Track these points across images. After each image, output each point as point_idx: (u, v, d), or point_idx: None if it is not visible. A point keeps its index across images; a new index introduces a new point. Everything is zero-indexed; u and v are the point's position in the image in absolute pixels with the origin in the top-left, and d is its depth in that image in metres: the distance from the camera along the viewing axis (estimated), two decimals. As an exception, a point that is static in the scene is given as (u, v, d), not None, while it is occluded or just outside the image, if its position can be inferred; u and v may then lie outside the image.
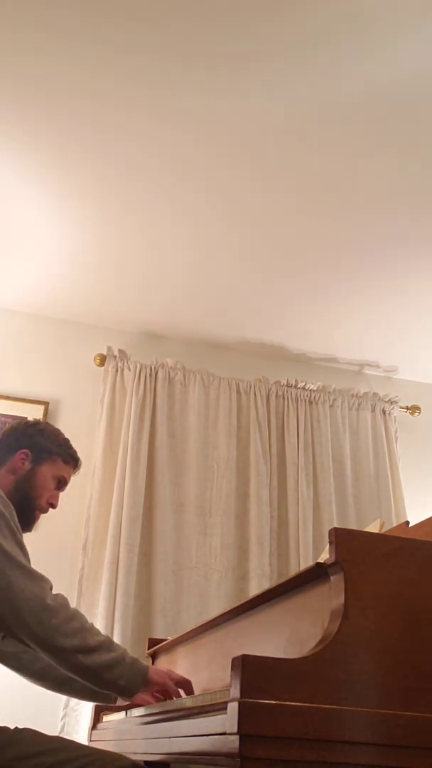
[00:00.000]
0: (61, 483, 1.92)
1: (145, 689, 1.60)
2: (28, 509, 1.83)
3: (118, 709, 2.01)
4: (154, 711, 1.52)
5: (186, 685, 1.65)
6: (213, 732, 1.06)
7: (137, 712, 1.70)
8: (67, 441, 1.95)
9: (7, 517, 1.62)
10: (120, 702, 1.79)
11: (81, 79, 2.21)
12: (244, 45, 2.08)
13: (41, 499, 1.85)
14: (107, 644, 1.55)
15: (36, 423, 1.97)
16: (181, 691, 1.64)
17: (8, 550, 1.55)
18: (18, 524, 1.67)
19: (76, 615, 1.54)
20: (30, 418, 2.02)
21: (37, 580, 1.55)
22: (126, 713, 1.87)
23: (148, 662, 2.49)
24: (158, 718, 1.44)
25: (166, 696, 1.64)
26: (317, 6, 1.96)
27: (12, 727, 1.61)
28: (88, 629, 1.54)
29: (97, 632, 1.56)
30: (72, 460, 1.94)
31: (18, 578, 1.51)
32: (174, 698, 1.60)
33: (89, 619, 1.63)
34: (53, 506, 1.89)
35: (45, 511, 1.89)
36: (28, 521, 1.83)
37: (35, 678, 1.86)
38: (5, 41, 2.10)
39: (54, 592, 1.57)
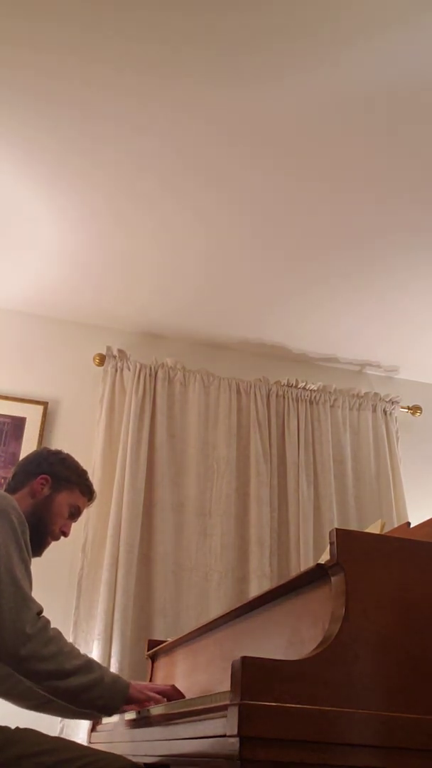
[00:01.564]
0: (75, 513, 1.98)
1: (127, 706, 1.63)
2: (41, 534, 1.88)
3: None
4: (155, 713, 1.52)
5: (170, 693, 1.69)
6: (213, 734, 1.06)
7: (137, 714, 1.70)
8: (85, 473, 2.03)
9: (19, 534, 1.66)
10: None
11: (80, 76, 2.21)
12: (244, 35, 2.06)
13: (55, 526, 1.92)
14: (86, 667, 1.57)
15: (58, 452, 2.03)
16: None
17: (13, 565, 1.58)
18: (28, 542, 1.71)
19: (54, 639, 1.56)
20: (53, 448, 2.10)
21: (27, 602, 1.56)
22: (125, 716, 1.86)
23: (144, 665, 2.49)
24: (158, 720, 1.44)
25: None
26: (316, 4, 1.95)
27: (13, 727, 1.61)
28: (67, 653, 1.56)
29: (77, 655, 1.58)
30: (88, 493, 2.02)
31: (10, 597, 1.53)
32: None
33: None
34: (65, 535, 1.96)
35: (57, 538, 1.94)
36: (39, 546, 1.88)
37: (17, 699, 1.87)
38: (3, 33, 2.10)
39: (47, 605, 1.60)
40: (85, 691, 1.55)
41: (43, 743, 1.55)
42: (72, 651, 1.58)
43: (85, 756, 1.50)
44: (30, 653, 1.50)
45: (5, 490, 1.91)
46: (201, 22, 2.02)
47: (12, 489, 1.91)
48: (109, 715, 1.66)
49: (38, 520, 1.86)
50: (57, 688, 1.54)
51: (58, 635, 1.58)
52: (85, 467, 2.08)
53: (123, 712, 1.74)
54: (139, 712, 1.66)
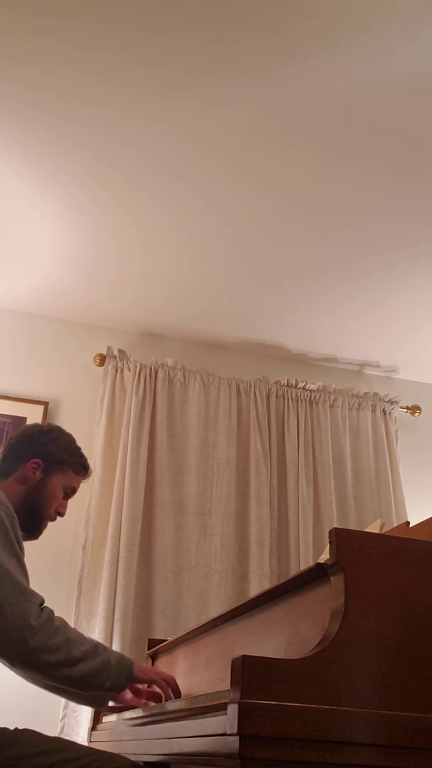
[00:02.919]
0: (71, 493, 1.93)
1: (132, 685, 1.64)
2: (37, 519, 1.84)
3: (118, 710, 2.01)
4: (154, 712, 1.52)
5: (170, 683, 1.69)
6: (213, 733, 1.06)
7: (137, 712, 1.70)
8: (78, 449, 1.95)
9: (8, 528, 1.62)
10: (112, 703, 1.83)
11: (79, 83, 2.21)
12: (239, 51, 2.08)
13: (50, 509, 1.87)
14: (92, 651, 1.57)
15: (49, 430, 1.93)
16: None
17: (4, 562, 1.55)
18: (18, 536, 1.67)
19: (60, 628, 1.55)
20: (43, 424, 2.00)
21: (26, 595, 1.54)
22: (125, 714, 1.87)
23: (141, 660, 2.49)
24: (158, 718, 1.44)
25: (153, 694, 1.70)
26: (312, 12, 1.95)
27: (12, 727, 1.61)
28: (73, 640, 1.55)
29: (82, 640, 1.58)
30: (83, 470, 1.94)
31: (7, 593, 1.51)
32: (163, 696, 1.66)
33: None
34: (61, 515, 1.91)
35: (53, 519, 1.90)
36: (35, 530, 1.85)
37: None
38: (6, 46, 2.10)
39: (47, 604, 1.58)
40: (94, 675, 1.56)
41: (41, 744, 1.54)
42: (78, 637, 1.58)
43: (84, 756, 1.49)
44: (39, 645, 1.49)
45: None
46: (192, 36, 2.02)
47: (3, 473, 1.85)
48: (117, 692, 1.66)
49: (32, 505, 1.82)
50: (68, 676, 1.54)
51: (63, 624, 1.57)
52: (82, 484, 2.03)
53: (124, 702, 1.74)
54: (141, 710, 1.66)
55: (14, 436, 1.93)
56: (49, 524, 1.92)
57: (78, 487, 1.95)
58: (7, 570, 1.54)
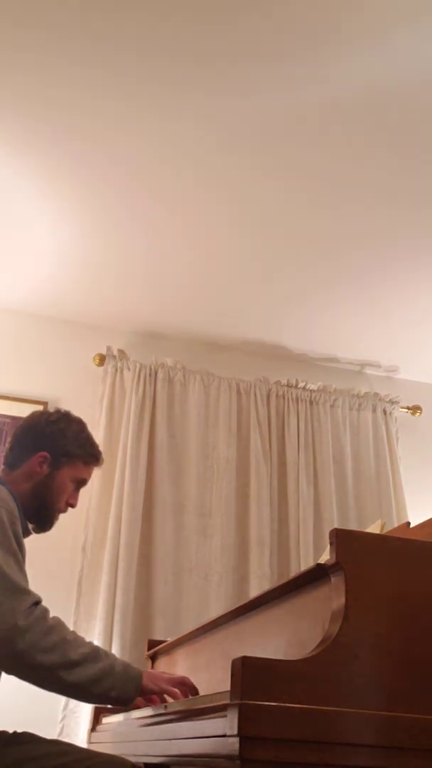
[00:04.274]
0: (81, 484, 1.85)
1: (141, 696, 1.53)
2: (47, 513, 1.77)
3: (118, 711, 2.01)
4: (154, 713, 1.51)
5: (184, 685, 1.58)
6: (213, 734, 1.05)
7: (137, 714, 1.70)
8: (89, 438, 1.85)
9: (6, 526, 1.55)
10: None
11: (82, 75, 2.21)
12: (243, 40, 2.07)
13: (60, 503, 1.79)
14: (93, 655, 1.45)
15: (57, 420, 1.82)
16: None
17: None
18: (19, 533, 1.60)
19: (54, 628, 1.44)
20: (51, 412, 1.88)
21: (18, 593, 1.43)
22: (124, 715, 1.86)
23: (144, 665, 2.49)
24: (158, 720, 1.43)
25: (164, 700, 1.59)
26: (319, 3, 1.95)
27: (11, 731, 1.60)
28: (71, 641, 1.44)
29: (81, 643, 1.46)
30: (93, 460, 1.86)
31: None
32: (176, 699, 1.56)
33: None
34: (72, 506, 1.83)
35: (65, 511, 1.82)
36: (45, 524, 1.78)
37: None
38: (4, 38, 2.10)
39: (46, 605, 1.48)
40: (95, 682, 1.43)
41: (41, 747, 1.53)
42: (76, 639, 1.46)
43: (84, 758, 1.48)
44: (28, 645, 1.37)
45: (4, 466, 1.79)
46: (198, 28, 2.02)
47: (11, 466, 1.77)
48: (124, 706, 1.55)
49: (41, 500, 1.74)
50: (64, 681, 1.41)
51: (59, 623, 1.46)
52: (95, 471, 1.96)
53: (135, 707, 1.66)
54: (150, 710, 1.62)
55: (20, 426, 1.83)
56: (59, 516, 1.86)
57: (89, 477, 1.87)
58: (1, 567, 1.46)
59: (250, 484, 3.29)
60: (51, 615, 1.47)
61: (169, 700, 1.55)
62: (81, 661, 1.43)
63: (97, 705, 1.88)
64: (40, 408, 3.23)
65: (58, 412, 1.87)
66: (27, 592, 1.47)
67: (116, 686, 1.46)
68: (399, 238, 2.88)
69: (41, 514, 1.76)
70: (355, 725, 1.03)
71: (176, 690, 1.55)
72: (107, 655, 1.50)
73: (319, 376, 3.71)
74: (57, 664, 1.40)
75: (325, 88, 2.21)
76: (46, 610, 1.47)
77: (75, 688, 1.43)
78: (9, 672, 1.46)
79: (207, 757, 1.07)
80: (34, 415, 1.87)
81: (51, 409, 1.98)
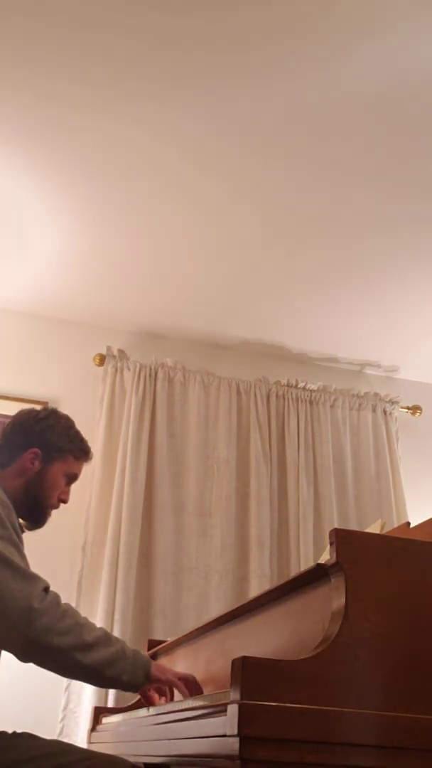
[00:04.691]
0: (72, 479, 1.87)
1: (149, 684, 1.56)
2: (40, 509, 1.79)
3: (118, 711, 2.01)
4: (154, 713, 1.51)
5: (190, 682, 1.60)
6: (213, 734, 1.05)
7: (137, 713, 1.70)
8: (77, 434, 1.87)
9: (4, 517, 1.57)
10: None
11: (83, 85, 2.21)
12: (256, 34, 2.06)
13: (52, 499, 1.80)
14: (105, 639, 1.49)
15: (46, 417, 1.85)
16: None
17: (2, 549, 1.49)
18: (16, 525, 1.63)
19: (68, 612, 1.47)
20: (39, 409, 1.91)
21: (28, 579, 1.47)
22: (124, 716, 1.86)
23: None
24: (158, 719, 1.43)
25: (170, 693, 1.61)
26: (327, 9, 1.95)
27: (10, 731, 1.60)
28: (83, 625, 1.48)
29: (93, 627, 1.50)
30: (83, 455, 1.87)
31: (8, 578, 1.45)
32: (182, 695, 1.57)
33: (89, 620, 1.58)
34: (64, 502, 1.84)
35: (57, 507, 1.84)
36: (39, 520, 1.80)
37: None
38: (5, 34, 2.10)
39: (50, 591, 1.50)
40: (109, 665, 1.46)
41: (40, 747, 1.53)
42: (87, 623, 1.50)
43: (83, 759, 1.48)
44: (45, 628, 1.41)
45: None
46: (203, 20, 2.01)
47: (1, 465, 1.78)
48: (134, 691, 1.57)
49: (34, 496, 1.76)
50: (80, 663, 1.44)
51: (70, 608, 1.49)
52: (85, 467, 1.97)
53: (144, 696, 1.67)
54: (148, 709, 1.63)
55: (10, 424, 1.85)
56: (49, 524, 1.88)
57: (80, 472, 1.89)
58: (6, 557, 1.48)
59: (250, 484, 3.29)
60: (61, 600, 1.51)
61: (175, 695, 1.56)
62: (95, 644, 1.46)
63: (110, 689, 1.85)
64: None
65: (45, 409, 1.90)
66: (37, 577, 1.50)
67: (127, 670, 1.50)
68: (399, 238, 2.88)
69: (34, 510, 1.77)
70: (355, 725, 1.03)
71: (181, 684, 1.58)
72: (118, 640, 1.53)
73: (319, 376, 3.71)
74: (73, 646, 1.44)
75: (333, 81, 2.20)
76: (57, 595, 1.50)
77: (89, 670, 1.47)
78: (25, 658, 1.48)
79: (207, 757, 1.07)
80: (22, 413, 1.88)
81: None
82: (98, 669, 1.47)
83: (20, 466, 1.77)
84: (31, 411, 1.89)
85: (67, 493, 1.85)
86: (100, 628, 1.52)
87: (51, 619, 1.43)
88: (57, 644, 1.42)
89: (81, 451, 1.87)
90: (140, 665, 1.52)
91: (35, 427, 1.81)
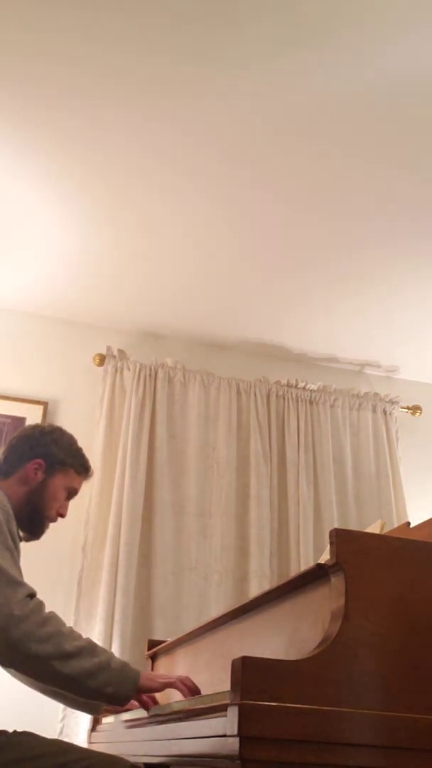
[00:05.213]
0: (72, 493, 1.92)
1: (138, 696, 1.54)
2: (38, 520, 1.83)
3: (118, 711, 2.00)
4: (154, 713, 1.51)
5: (185, 683, 1.58)
6: (213, 734, 1.05)
7: (137, 714, 1.70)
8: (80, 450, 1.93)
9: (2, 522, 1.60)
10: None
11: (80, 79, 2.21)
12: (242, 45, 2.07)
13: (51, 511, 1.85)
14: (89, 649, 1.47)
15: (51, 431, 1.92)
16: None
17: None
18: (14, 531, 1.66)
19: (50, 620, 1.46)
20: (44, 424, 2.00)
21: (13, 585, 1.47)
22: (124, 716, 1.86)
23: (144, 666, 2.49)
24: (158, 720, 1.43)
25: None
26: (312, 4, 1.95)
27: (11, 730, 1.60)
28: (65, 634, 1.46)
29: (77, 637, 1.49)
30: (84, 471, 1.93)
31: None
32: (182, 695, 1.55)
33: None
34: (62, 516, 1.90)
35: (54, 520, 1.89)
36: (36, 531, 1.84)
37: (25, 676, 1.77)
38: (5, 40, 2.10)
39: (47, 606, 1.51)
40: (91, 676, 1.44)
41: (40, 746, 1.53)
42: (72, 632, 1.48)
43: (84, 758, 1.48)
44: (24, 634, 1.40)
45: None
46: (194, 34, 2.02)
47: (4, 474, 1.84)
48: (119, 704, 1.55)
49: (34, 506, 1.80)
50: (59, 673, 1.42)
51: (54, 616, 1.49)
52: (84, 484, 2.01)
53: (131, 708, 1.68)
54: (148, 710, 1.62)
55: (15, 437, 1.91)
56: (49, 525, 1.91)
57: (79, 487, 1.94)
58: None
59: (250, 484, 3.29)
60: (46, 609, 1.50)
61: (173, 698, 1.55)
62: (76, 653, 1.45)
63: (87, 712, 1.90)
64: (40, 408, 3.23)
65: (51, 425, 1.98)
66: (22, 584, 1.50)
67: (112, 682, 1.48)
68: (399, 239, 2.88)
69: (33, 520, 1.81)
70: (355, 725, 1.03)
71: (180, 684, 1.56)
72: (105, 651, 1.52)
73: (319, 376, 3.71)
74: (51, 655, 1.43)
75: (325, 94, 2.21)
76: (41, 603, 1.50)
77: (69, 679, 1.45)
78: (5, 664, 1.50)
79: (207, 757, 1.07)
80: (27, 427, 1.97)
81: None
82: (77, 679, 1.45)
83: (23, 475, 1.83)
84: (36, 426, 1.97)
85: (65, 507, 1.90)
86: (86, 639, 1.51)
87: (30, 626, 1.42)
88: (35, 651, 1.41)
89: (82, 466, 1.93)
90: (128, 678, 1.50)
91: (41, 440, 1.88)
